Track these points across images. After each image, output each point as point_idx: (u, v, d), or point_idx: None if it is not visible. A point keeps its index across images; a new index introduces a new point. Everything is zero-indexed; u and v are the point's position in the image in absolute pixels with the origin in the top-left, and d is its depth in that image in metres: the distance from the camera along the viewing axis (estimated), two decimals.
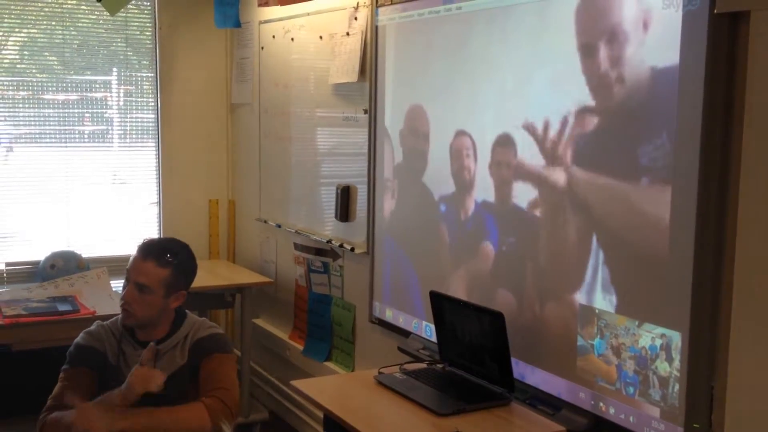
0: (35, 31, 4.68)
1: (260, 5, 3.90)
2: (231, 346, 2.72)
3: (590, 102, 2.43)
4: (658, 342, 2.26)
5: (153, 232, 4.97)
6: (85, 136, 4.83)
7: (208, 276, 4.48)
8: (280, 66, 4.39)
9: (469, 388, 2.71)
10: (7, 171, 4.62)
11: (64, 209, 4.74)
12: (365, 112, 3.62)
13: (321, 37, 3.96)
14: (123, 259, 4.79)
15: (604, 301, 2.43)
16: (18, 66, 4.67)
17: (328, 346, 4.02)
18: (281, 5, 3.77)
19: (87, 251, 4.65)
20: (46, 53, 4.71)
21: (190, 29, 4.89)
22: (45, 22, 4.66)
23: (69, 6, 4.66)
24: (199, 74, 4.97)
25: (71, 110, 4.74)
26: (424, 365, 2.94)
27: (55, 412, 2.54)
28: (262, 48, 4.57)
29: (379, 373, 2.83)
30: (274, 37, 4.43)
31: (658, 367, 2.26)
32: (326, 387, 2.81)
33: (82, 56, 4.74)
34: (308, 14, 4.05)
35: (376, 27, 3.48)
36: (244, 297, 4.42)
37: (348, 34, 3.71)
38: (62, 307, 4.01)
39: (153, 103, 4.91)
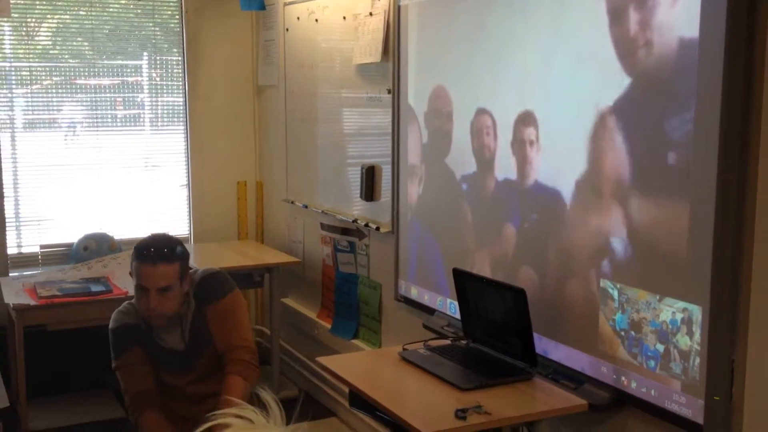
0: (67, 16, 4.75)
1: None
2: (229, 283, 2.77)
3: (613, 75, 2.42)
4: (679, 316, 2.27)
5: (183, 215, 5.05)
6: (117, 120, 4.91)
7: (236, 256, 4.55)
8: (305, 47, 4.42)
9: (492, 363, 2.74)
10: (41, 156, 4.71)
11: (96, 192, 4.82)
12: (389, 92, 3.64)
13: (344, 18, 3.98)
14: None
15: (625, 276, 2.44)
16: (51, 52, 4.75)
17: (355, 324, 4.07)
18: None
19: (119, 233, 4.74)
20: (80, 39, 4.79)
21: (217, 13, 4.93)
22: (76, 8, 4.73)
23: None
24: (226, 57, 5.02)
25: (103, 95, 4.82)
26: (448, 342, 2.97)
27: (144, 404, 2.65)
28: (287, 30, 4.60)
29: (404, 349, 2.87)
30: (298, 18, 4.46)
31: (679, 341, 2.27)
32: (351, 363, 2.85)
33: (112, 41, 4.81)
34: None
35: (399, 6, 3.49)
36: (272, 277, 4.48)
37: (371, 14, 3.73)
38: (95, 288, 4.10)
39: (181, 87, 4.97)
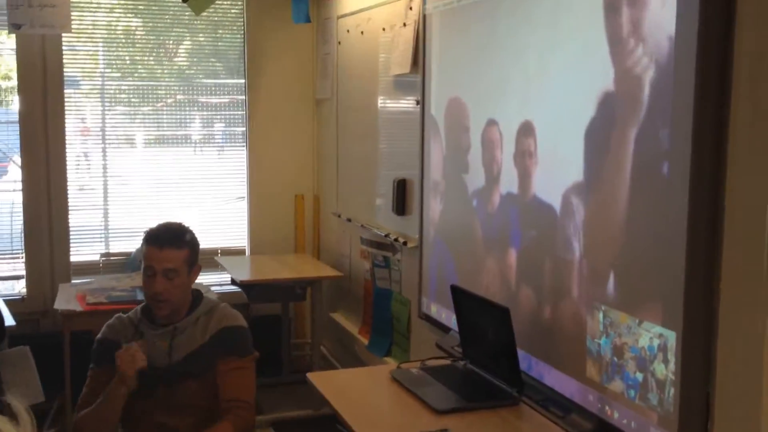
0: (202, 37, 4.98)
1: None
2: (252, 346, 2.76)
3: (611, 81, 2.25)
4: (656, 342, 2.07)
5: (242, 227, 5.11)
6: (183, 137, 5.06)
7: (281, 268, 4.57)
8: (353, 60, 4.40)
9: (482, 386, 2.60)
10: (120, 170, 4.93)
11: (156, 205, 4.96)
12: (417, 103, 3.56)
13: (384, 29, 3.93)
14: (210, 252, 4.99)
15: (610, 298, 2.25)
16: (186, 72, 4.99)
17: (389, 341, 3.99)
18: None
19: None
20: (212, 59, 5.01)
21: (278, 27, 4.97)
22: (210, 29, 4.98)
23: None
24: (287, 71, 5.06)
25: (173, 114, 4.99)
26: (447, 362, 2.85)
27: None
28: (339, 43, 4.59)
29: (398, 368, 2.77)
30: (348, 31, 4.45)
31: (656, 369, 2.07)
32: (339, 380, 2.78)
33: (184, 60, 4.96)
34: (374, 7, 4.04)
35: (424, 16, 3.41)
36: (314, 290, 4.46)
37: (404, 24, 3.67)
38: (141, 296, 4.20)
39: (242, 100, 5.05)
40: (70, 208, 4.75)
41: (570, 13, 2.43)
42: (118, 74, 4.91)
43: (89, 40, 4.82)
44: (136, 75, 4.93)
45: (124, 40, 4.89)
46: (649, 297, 2.08)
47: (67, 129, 4.70)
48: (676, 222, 1.97)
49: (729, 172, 1.86)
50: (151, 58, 4.94)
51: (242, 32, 4.98)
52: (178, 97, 4.99)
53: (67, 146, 4.70)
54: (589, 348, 2.34)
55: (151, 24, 4.90)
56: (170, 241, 2.68)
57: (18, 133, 4.60)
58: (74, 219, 4.79)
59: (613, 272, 2.23)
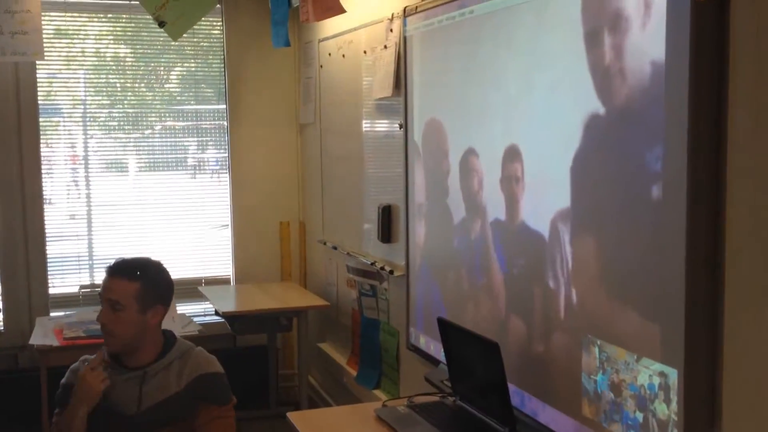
0: (193, 64, 4.89)
1: (303, 21, 3.81)
2: (230, 392, 2.63)
3: (595, 105, 2.13)
4: (656, 380, 1.94)
5: (227, 256, 4.97)
6: (174, 165, 4.93)
7: (266, 299, 4.42)
8: (335, 84, 4.28)
9: (471, 425, 2.47)
10: (94, 199, 4.79)
11: (138, 234, 4.82)
12: (400, 127, 3.44)
13: (365, 52, 3.82)
14: (194, 282, 4.85)
15: (605, 331, 2.13)
16: (177, 98, 4.88)
17: (378, 372, 3.84)
18: (317, 21, 3.67)
19: None
20: (203, 86, 4.91)
21: (259, 52, 4.86)
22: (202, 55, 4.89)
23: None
24: (269, 97, 4.94)
25: (165, 139, 4.87)
26: (436, 398, 2.71)
27: None
28: (321, 66, 4.48)
29: (383, 405, 2.63)
30: (330, 54, 4.34)
31: (657, 409, 1.94)
32: (322, 420, 2.64)
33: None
34: (355, 29, 3.93)
35: (405, 37, 3.30)
36: (300, 320, 4.31)
37: (385, 46, 3.56)
38: None
39: (225, 126, 4.93)
40: (49, 238, 4.61)
41: (552, 35, 2.32)
42: (105, 101, 4.79)
43: (79, 67, 4.71)
44: (126, 102, 4.83)
45: (114, 67, 4.78)
46: (648, 331, 1.96)
47: (46, 157, 4.57)
48: (674, 249, 1.85)
49: (728, 193, 1.74)
50: (142, 85, 4.84)
51: (222, 57, 4.86)
52: (164, 123, 4.87)
53: (44, 174, 4.57)
54: (585, 385, 2.21)
55: (141, 51, 4.79)
56: (120, 271, 2.52)
57: None
58: (57, 249, 4.66)
59: (607, 304, 2.11)
